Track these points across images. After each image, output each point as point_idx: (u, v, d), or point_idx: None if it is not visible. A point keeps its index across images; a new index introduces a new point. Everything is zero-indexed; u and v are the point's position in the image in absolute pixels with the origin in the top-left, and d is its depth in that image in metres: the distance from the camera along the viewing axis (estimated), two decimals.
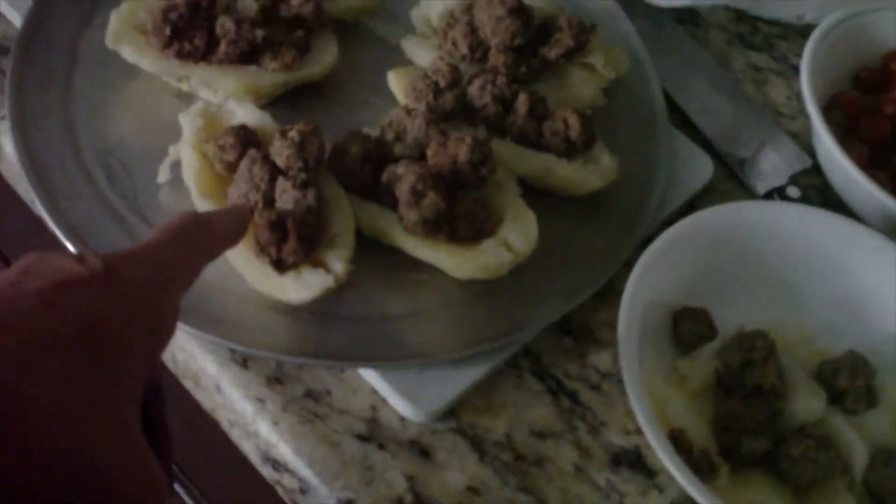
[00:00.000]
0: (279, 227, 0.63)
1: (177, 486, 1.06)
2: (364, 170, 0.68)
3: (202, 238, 0.52)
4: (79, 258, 0.43)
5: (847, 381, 0.68)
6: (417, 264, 0.69)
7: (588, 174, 0.73)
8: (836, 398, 0.68)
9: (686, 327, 0.70)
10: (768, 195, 0.81)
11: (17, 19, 0.78)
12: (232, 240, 0.57)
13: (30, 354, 0.38)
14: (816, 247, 0.73)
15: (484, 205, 0.68)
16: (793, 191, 0.80)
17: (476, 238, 0.68)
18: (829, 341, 0.71)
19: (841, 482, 0.65)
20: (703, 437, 0.65)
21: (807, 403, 0.67)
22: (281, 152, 0.66)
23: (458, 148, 0.67)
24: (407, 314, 0.68)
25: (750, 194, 0.82)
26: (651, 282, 0.67)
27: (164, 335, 0.47)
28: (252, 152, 0.66)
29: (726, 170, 0.83)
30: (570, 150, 0.73)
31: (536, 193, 0.73)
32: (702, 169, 0.80)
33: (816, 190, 0.81)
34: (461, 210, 0.67)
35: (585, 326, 0.72)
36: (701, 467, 0.63)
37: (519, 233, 0.68)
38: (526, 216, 0.69)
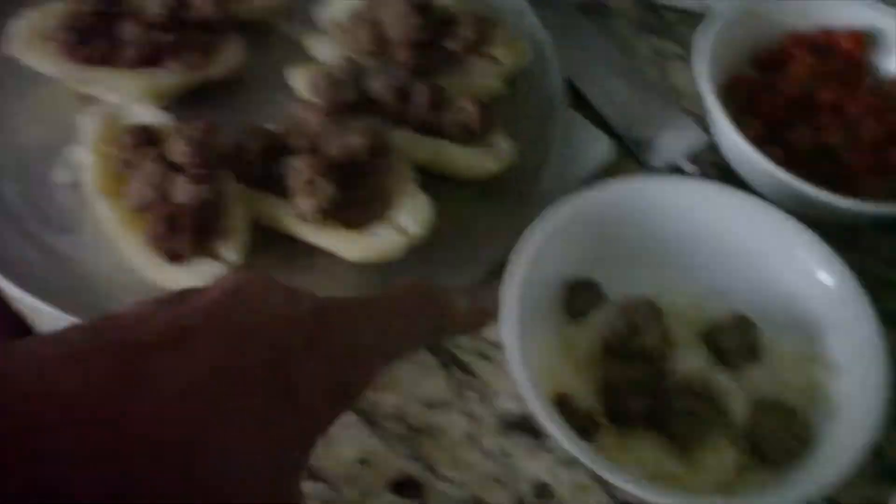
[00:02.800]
0: (173, 219, 0.66)
1: None
2: (262, 163, 0.71)
3: (436, 314, 0.46)
4: (290, 294, 0.40)
5: (730, 339, 0.70)
6: (314, 251, 0.71)
7: (485, 158, 0.76)
8: (719, 357, 0.71)
9: (576, 297, 0.72)
10: (663, 172, 0.83)
11: None
12: (469, 331, 0.52)
13: (219, 391, 0.34)
14: (707, 218, 0.75)
15: (379, 192, 0.71)
16: (689, 168, 0.83)
17: (371, 223, 0.70)
18: (716, 303, 0.74)
19: (723, 434, 0.67)
20: (590, 400, 0.68)
21: (689, 362, 0.69)
22: (177, 149, 0.68)
23: (353, 137, 0.70)
24: None
25: (646, 172, 0.84)
26: (540, 256, 0.70)
27: (355, 393, 0.41)
28: (149, 150, 0.69)
29: (628, 153, 0.86)
30: (468, 135, 0.76)
31: (437, 179, 0.76)
32: (600, 150, 0.83)
33: (715, 167, 0.84)
34: (355, 197, 0.70)
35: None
36: (585, 428, 0.66)
37: (412, 216, 0.70)
38: (419, 200, 0.71)
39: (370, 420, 0.69)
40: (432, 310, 0.46)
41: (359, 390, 0.41)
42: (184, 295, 0.39)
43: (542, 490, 0.68)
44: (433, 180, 0.75)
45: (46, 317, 0.69)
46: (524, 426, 0.69)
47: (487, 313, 0.52)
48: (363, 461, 0.67)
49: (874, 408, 0.66)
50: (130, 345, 0.34)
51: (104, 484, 0.30)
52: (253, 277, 0.39)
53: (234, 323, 0.36)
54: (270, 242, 0.72)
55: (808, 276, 0.73)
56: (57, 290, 0.69)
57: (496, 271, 0.74)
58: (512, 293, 0.67)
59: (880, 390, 0.67)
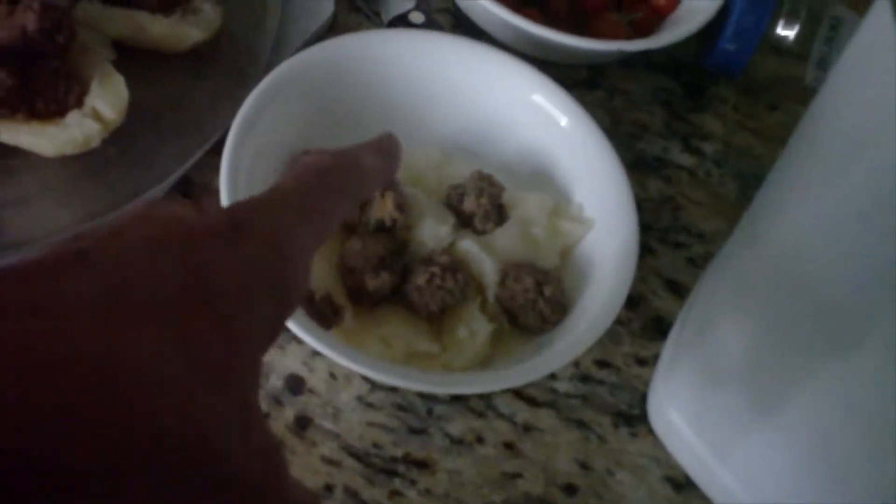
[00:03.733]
0: None
1: None
2: None
3: (349, 179, 0.44)
4: (198, 206, 0.36)
5: (473, 201, 0.67)
6: (8, 150, 0.64)
7: (188, 27, 0.69)
8: (465, 221, 0.67)
9: None
10: (392, 24, 0.78)
11: None
12: (386, 178, 0.49)
13: (126, 305, 0.31)
14: (439, 72, 0.71)
15: (64, 75, 0.63)
16: (416, 16, 0.78)
17: (61, 112, 0.63)
18: (460, 166, 0.70)
19: (474, 304, 0.65)
20: (328, 283, 0.64)
21: (434, 231, 0.65)
22: None
23: (26, 16, 0.62)
24: (8, 203, 0.64)
25: (376, 26, 0.79)
26: (262, 128, 0.64)
27: (289, 299, 0.38)
28: None
29: (351, 5, 0.80)
30: (165, 4, 0.69)
31: (137, 54, 0.69)
32: (321, 7, 0.77)
33: (445, 13, 0.80)
34: (37, 84, 0.62)
35: (207, 187, 0.69)
36: (324, 314, 0.62)
37: (106, 99, 0.63)
38: (113, 80, 0.64)
39: None
40: (343, 178, 0.43)
41: (297, 284, 0.38)
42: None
43: (297, 384, 0.64)
44: (135, 57, 0.68)
45: None
46: None
47: (394, 160, 0.49)
48: None
49: (626, 261, 0.64)
50: (32, 265, 0.31)
51: (18, 409, 0.28)
52: (155, 201, 0.36)
53: (137, 238, 0.33)
54: None
55: (547, 125, 0.70)
56: None
57: (216, 150, 0.68)
58: (232, 172, 0.62)
59: (630, 237, 0.65)
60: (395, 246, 0.65)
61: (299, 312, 0.58)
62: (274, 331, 0.37)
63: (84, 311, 0.30)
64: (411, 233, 0.66)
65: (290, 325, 0.57)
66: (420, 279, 0.63)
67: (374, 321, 0.64)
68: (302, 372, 0.64)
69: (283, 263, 0.37)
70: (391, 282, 0.64)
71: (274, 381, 0.64)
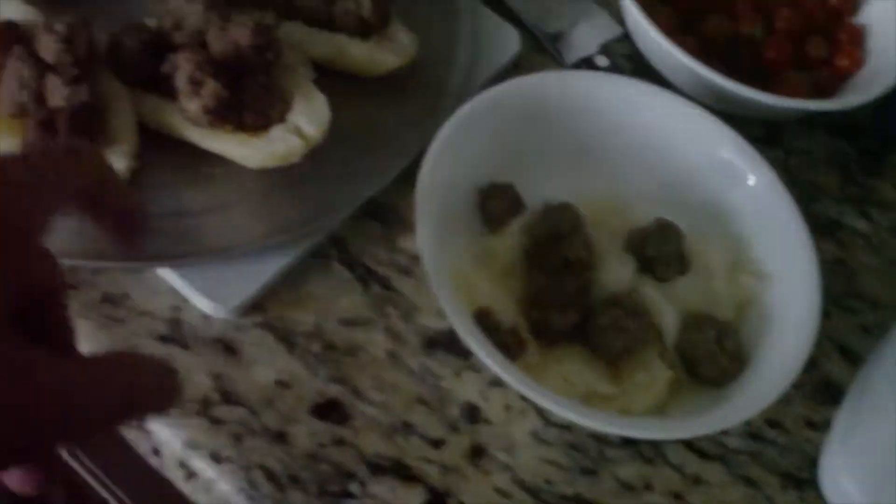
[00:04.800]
0: (50, 125, 0.59)
1: None
2: (143, 61, 0.65)
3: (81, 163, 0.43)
4: None
5: (656, 248, 0.67)
6: (209, 157, 0.66)
7: (384, 53, 0.71)
8: (646, 266, 0.67)
9: (493, 204, 0.68)
10: (577, 66, 0.79)
11: None
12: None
13: None
14: (626, 116, 0.71)
15: (271, 90, 0.65)
16: (601, 60, 0.79)
17: (265, 125, 0.65)
18: (640, 211, 0.70)
19: (653, 349, 0.65)
20: (512, 315, 0.64)
21: (615, 273, 0.66)
22: (48, 47, 0.62)
23: (240, 32, 0.64)
24: (203, 209, 0.65)
25: (560, 67, 0.80)
26: (451, 159, 0.65)
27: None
28: (18, 50, 0.62)
29: (536, 44, 0.81)
30: (364, 29, 0.70)
31: (335, 76, 0.70)
32: (508, 43, 0.78)
33: (627, 59, 0.80)
34: (247, 97, 0.64)
35: (393, 210, 0.70)
36: (509, 345, 0.62)
37: (309, 117, 0.65)
38: (316, 99, 0.66)
39: (287, 340, 0.64)
40: (76, 160, 0.43)
41: (25, 245, 0.40)
42: None
43: (473, 413, 0.64)
44: (332, 78, 0.69)
45: None
46: (449, 344, 0.65)
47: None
48: (282, 384, 0.63)
49: (808, 319, 0.64)
50: None
51: None
52: None
53: None
54: (163, 148, 0.66)
55: (732, 179, 0.70)
56: None
57: (403, 175, 0.69)
58: (424, 200, 0.63)
59: (813, 299, 0.65)
60: (579, 285, 0.65)
61: (485, 341, 0.59)
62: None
63: None
64: (594, 274, 0.66)
65: (477, 351, 0.58)
66: (603, 320, 0.63)
67: (555, 358, 0.64)
68: (478, 401, 0.65)
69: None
70: (575, 320, 0.64)
71: (451, 408, 0.64)
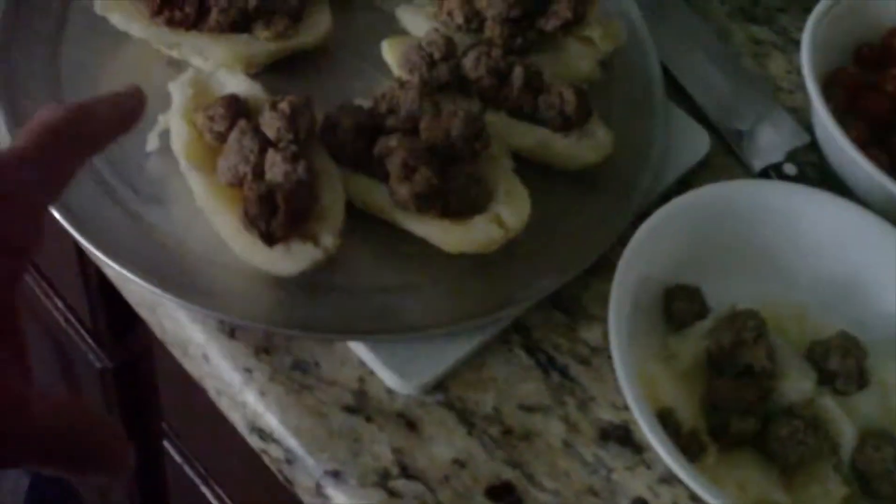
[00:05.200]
0: (269, 199, 0.63)
1: (166, 444, 1.07)
2: (356, 142, 0.68)
3: (78, 132, 0.45)
4: None
5: (838, 361, 0.67)
6: (408, 237, 0.68)
7: (583, 149, 0.73)
8: (826, 378, 0.68)
9: (678, 305, 0.69)
10: (764, 172, 0.80)
11: None
12: (121, 127, 0.49)
13: None
14: (812, 226, 0.72)
15: (477, 180, 0.67)
16: (789, 168, 0.80)
17: (468, 212, 0.67)
18: (821, 321, 0.71)
19: (829, 463, 0.65)
20: (692, 416, 0.65)
21: (797, 384, 0.66)
22: (271, 124, 0.65)
23: (452, 122, 0.66)
24: (397, 287, 0.68)
25: (746, 170, 0.81)
26: (644, 258, 0.67)
27: (20, 251, 0.42)
28: (242, 123, 0.65)
29: (723, 144, 0.82)
30: (566, 124, 0.73)
31: (529, 166, 0.72)
32: (698, 143, 0.79)
33: (814, 167, 0.81)
34: (453, 185, 0.66)
35: (576, 301, 0.72)
36: (689, 447, 0.63)
37: (511, 209, 0.67)
38: (519, 192, 0.68)
39: (466, 420, 0.66)
40: (79, 124, 0.45)
41: (26, 239, 0.42)
42: None
43: None
44: (527, 169, 0.71)
45: (134, 286, 0.66)
46: (623, 438, 0.67)
47: (133, 112, 0.50)
48: (459, 463, 0.64)
49: None
50: None
51: None
52: None
53: None
54: (365, 225, 0.69)
55: None
56: (145, 261, 0.65)
57: (591, 269, 0.71)
58: (619, 296, 0.64)
59: None
60: (760, 393, 0.65)
61: (666, 439, 0.60)
62: (5, 278, 0.40)
63: None
64: (774, 382, 0.66)
65: (659, 449, 0.59)
66: (783, 430, 0.64)
67: (731, 462, 0.65)
68: (648, 497, 0.65)
69: (10, 220, 0.41)
70: (754, 427, 0.64)
71: (620, 501, 0.65)
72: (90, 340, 1.03)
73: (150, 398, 1.05)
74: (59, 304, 1.06)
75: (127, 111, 0.49)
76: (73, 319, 1.04)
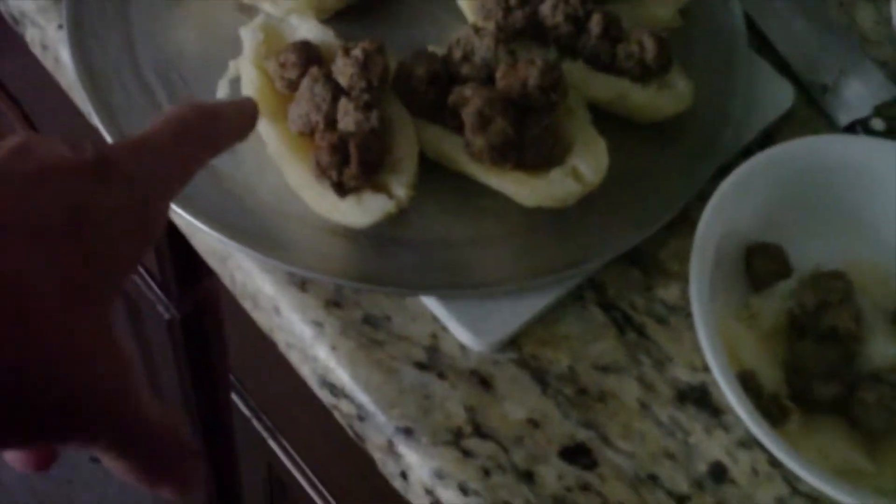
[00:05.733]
0: (341, 149, 0.61)
1: (234, 396, 1.06)
2: (429, 91, 0.66)
3: (208, 131, 0.48)
4: (74, 146, 0.41)
5: None
6: (482, 190, 0.66)
7: (663, 100, 0.70)
8: None
9: (760, 263, 0.67)
10: (851, 126, 0.77)
11: None
12: (240, 136, 0.52)
13: (8, 232, 0.37)
14: None
15: (553, 131, 0.65)
16: (877, 123, 0.77)
17: (544, 165, 0.65)
18: None
19: None
20: (774, 379, 0.63)
21: (883, 348, 0.64)
22: (344, 71, 0.63)
23: (529, 71, 0.64)
24: (470, 241, 0.66)
25: (830, 123, 0.78)
26: (726, 214, 0.65)
27: (151, 232, 0.44)
28: (314, 71, 0.64)
29: (807, 97, 0.79)
30: (645, 74, 0.70)
31: (606, 118, 0.70)
32: (781, 96, 0.77)
33: None
34: (530, 137, 0.64)
35: (653, 257, 0.69)
36: (771, 411, 0.61)
37: (589, 162, 0.65)
38: (597, 145, 0.66)
39: (540, 379, 0.64)
40: (206, 124, 0.48)
41: (157, 221, 0.44)
42: None
43: (719, 472, 0.63)
44: (605, 120, 0.69)
45: (204, 236, 0.65)
46: (700, 399, 0.65)
47: (249, 119, 0.53)
48: (533, 422, 0.63)
49: None
50: None
51: None
52: (34, 135, 0.41)
53: (17, 172, 0.39)
54: (437, 177, 0.67)
55: None
56: (216, 211, 0.64)
57: (666, 224, 0.69)
58: (700, 253, 0.62)
59: None
60: (844, 356, 0.63)
61: (747, 402, 0.58)
62: (133, 260, 0.42)
63: None
64: (859, 346, 0.64)
65: (740, 411, 0.57)
66: (868, 395, 0.62)
67: (813, 427, 0.63)
68: (726, 461, 0.63)
69: (143, 204, 0.42)
70: (838, 392, 0.62)
71: (697, 465, 0.63)
72: (158, 291, 1.03)
73: (218, 350, 1.04)
74: None
75: (247, 119, 0.52)
76: (141, 269, 1.03)
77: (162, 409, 0.41)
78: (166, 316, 1.02)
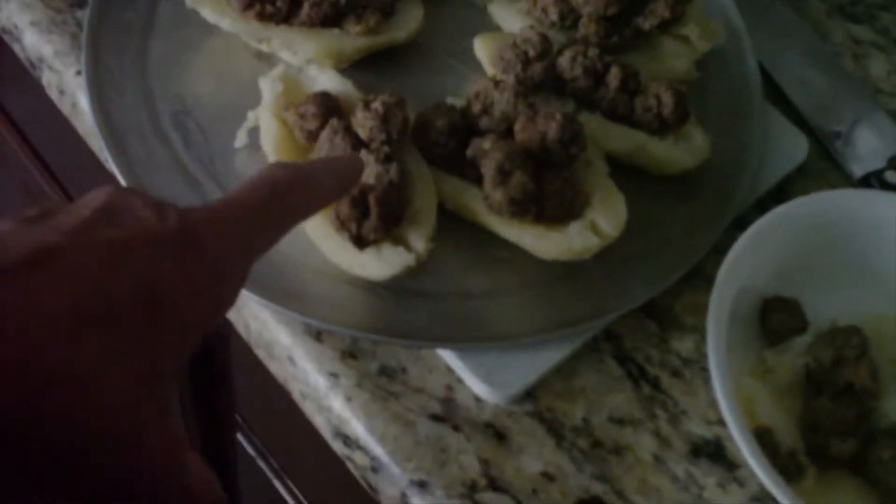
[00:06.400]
0: (361, 202, 0.61)
1: (240, 437, 1.06)
2: (448, 143, 0.66)
3: (298, 196, 0.46)
4: (159, 209, 0.40)
5: None
6: (500, 242, 0.67)
7: (680, 153, 0.71)
8: None
9: (776, 318, 0.67)
10: (865, 179, 0.77)
11: None
12: (336, 196, 0.51)
13: (86, 318, 0.35)
14: None
15: (572, 184, 0.66)
16: (892, 175, 0.77)
17: (563, 218, 0.65)
18: None
19: None
20: (790, 435, 0.63)
21: None
22: (364, 124, 0.64)
23: (548, 124, 0.64)
24: (487, 293, 0.66)
25: (844, 175, 0.78)
26: (744, 268, 0.65)
27: (226, 305, 0.43)
28: (334, 122, 0.64)
29: (820, 149, 0.80)
30: (663, 127, 0.70)
31: (624, 170, 0.70)
32: (795, 148, 0.77)
33: None
34: (549, 190, 0.64)
35: (668, 310, 0.70)
36: (786, 467, 0.61)
37: (608, 216, 0.65)
38: (615, 198, 0.66)
39: (555, 432, 0.64)
40: (296, 188, 0.46)
41: (229, 298, 0.43)
42: (48, 211, 0.39)
43: None
44: (622, 173, 0.69)
45: None
46: (715, 454, 0.65)
47: (349, 182, 0.53)
48: (548, 476, 0.63)
49: None
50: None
51: None
52: (120, 193, 0.40)
53: (101, 242, 0.37)
54: (453, 227, 0.67)
55: None
56: None
57: (684, 278, 0.69)
58: (719, 308, 0.62)
59: None
60: (859, 412, 0.63)
61: (763, 459, 0.58)
62: (199, 335, 0.40)
63: (47, 324, 0.34)
64: (876, 402, 0.64)
65: (756, 468, 0.57)
66: (885, 452, 0.62)
67: (829, 484, 0.63)
68: None
69: (221, 282, 0.41)
70: (854, 449, 0.62)
71: None
72: None
73: (225, 390, 1.04)
74: None
75: (347, 177, 0.51)
76: None
77: (201, 466, 0.40)
78: None
